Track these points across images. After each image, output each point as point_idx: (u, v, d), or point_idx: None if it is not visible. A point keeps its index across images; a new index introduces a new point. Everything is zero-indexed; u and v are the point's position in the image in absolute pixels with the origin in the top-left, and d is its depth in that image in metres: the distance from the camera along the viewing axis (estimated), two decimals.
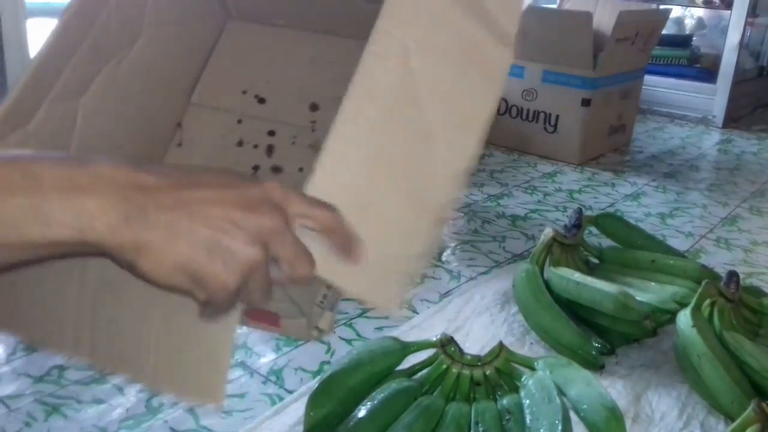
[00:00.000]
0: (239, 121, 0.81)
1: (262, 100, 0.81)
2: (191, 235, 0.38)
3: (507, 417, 0.79)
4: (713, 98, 2.70)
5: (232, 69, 0.84)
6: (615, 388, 0.95)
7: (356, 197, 0.48)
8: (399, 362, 0.87)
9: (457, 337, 0.89)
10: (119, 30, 0.70)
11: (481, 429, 0.77)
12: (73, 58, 0.64)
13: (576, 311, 1.06)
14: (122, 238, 0.37)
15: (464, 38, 0.59)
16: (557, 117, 2.07)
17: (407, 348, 0.88)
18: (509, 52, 0.61)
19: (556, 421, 0.74)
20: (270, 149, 0.75)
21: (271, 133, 0.76)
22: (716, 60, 2.72)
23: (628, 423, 0.88)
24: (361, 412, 0.77)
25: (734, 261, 1.44)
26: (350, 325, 1.09)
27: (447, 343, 0.87)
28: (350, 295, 0.50)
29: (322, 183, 0.46)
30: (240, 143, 0.80)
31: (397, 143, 0.52)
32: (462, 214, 1.60)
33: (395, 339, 0.90)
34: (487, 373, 0.85)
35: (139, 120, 0.77)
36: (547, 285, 1.11)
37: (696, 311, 0.98)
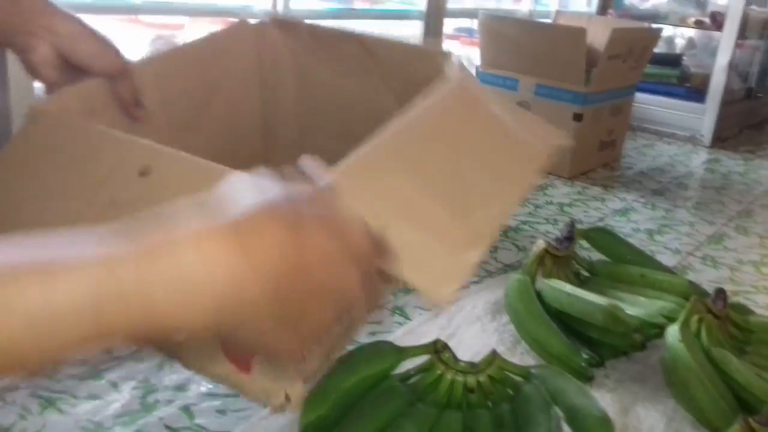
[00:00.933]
0: None
1: None
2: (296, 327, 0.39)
3: (500, 425, 0.80)
4: (702, 117, 2.74)
5: None
6: (603, 401, 0.96)
7: (396, 197, 0.55)
8: (394, 367, 0.88)
9: (449, 345, 0.90)
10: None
11: None
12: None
13: (567, 322, 1.08)
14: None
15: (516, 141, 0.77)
16: None
17: (402, 353, 0.89)
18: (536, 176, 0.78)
19: (549, 431, 0.76)
20: None
21: None
22: (705, 80, 2.76)
23: None
24: (355, 415, 0.78)
25: (720, 279, 1.46)
26: None
27: (442, 350, 0.88)
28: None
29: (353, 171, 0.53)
30: None
31: (434, 166, 0.61)
32: None
33: (391, 343, 0.91)
34: (481, 380, 0.86)
35: None
36: (539, 296, 1.12)
37: (684, 327, 1.00)
